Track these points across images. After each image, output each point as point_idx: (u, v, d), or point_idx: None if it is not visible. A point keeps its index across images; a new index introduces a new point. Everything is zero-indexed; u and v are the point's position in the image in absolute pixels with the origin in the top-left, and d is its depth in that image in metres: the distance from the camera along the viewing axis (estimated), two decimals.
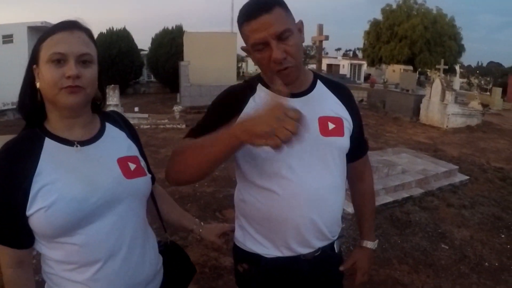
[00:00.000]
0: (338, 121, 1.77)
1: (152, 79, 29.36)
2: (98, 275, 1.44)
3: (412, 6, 32.64)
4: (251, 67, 54.63)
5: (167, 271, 1.79)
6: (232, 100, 1.74)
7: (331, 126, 1.74)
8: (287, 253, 1.78)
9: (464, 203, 6.47)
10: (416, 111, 15.71)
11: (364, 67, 43.68)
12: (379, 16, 33.97)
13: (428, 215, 5.90)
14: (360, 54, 38.40)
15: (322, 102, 1.78)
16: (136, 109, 15.66)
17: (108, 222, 1.44)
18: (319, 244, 1.80)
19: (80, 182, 1.40)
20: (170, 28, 26.11)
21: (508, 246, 5.10)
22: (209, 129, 1.61)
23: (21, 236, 1.42)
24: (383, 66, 34.80)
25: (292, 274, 1.83)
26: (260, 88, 1.76)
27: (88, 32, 1.46)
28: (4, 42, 20.63)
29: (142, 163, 1.64)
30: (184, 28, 25.29)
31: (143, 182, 1.58)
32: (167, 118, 13.92)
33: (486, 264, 4.62)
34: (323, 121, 1.73)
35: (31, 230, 1.40)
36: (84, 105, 1.46)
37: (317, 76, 1.85)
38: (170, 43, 24.66)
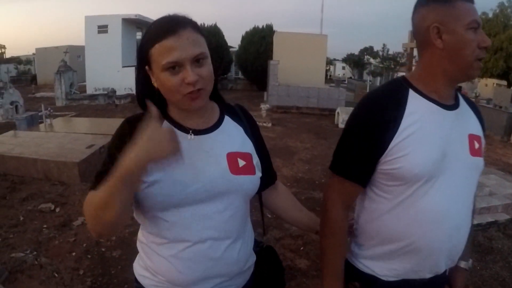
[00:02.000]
0: (480, 140, 1.69)
1: (240, 76, 29.86)
2: (182, 255, 1.48)
3: (510, 16, 31.05)
4: (339, 71, 54.01)
5: (257, 273, 1.79)
6: (381, 112, 1.59)
7: (476, 145, 1.65)
8: (408, 276, 1.69)
9: None
10: (508, 130, 14.98)
11: None
12: None
13: None
14: None
15: (469, 118, 1.70)
16: None
17: (204, 210, 1.47)
18: (444, 269, 1.74)
19: (187, 168, 1.45)
20: (260, 27, 26.40)
21: None
22: (362, 155, 1.62)
23: None
24: (475, 79, 33.43)
25: None
26: (413, 96, 1.61)
27: (192, 25, 1.43)
28: (99, 32, 21.81)
29: (255, 161, 1.62)
30: (274, 28, 25.52)
31: (249, 181, 1.57)
32: (254, 116, 14.01)
33: None
34: (472, 140, 1.64)
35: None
36: (206, 102, 1.50)
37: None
38: (260, 41, 24.96)
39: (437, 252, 1.63)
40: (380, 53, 48.38)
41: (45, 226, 5.22)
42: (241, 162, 1.56)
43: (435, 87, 1.60)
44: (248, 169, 1.57)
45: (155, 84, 1.46)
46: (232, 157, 1.55)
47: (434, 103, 1.59)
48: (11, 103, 14.43)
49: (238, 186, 1.54)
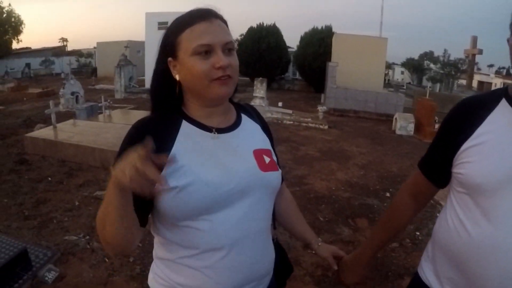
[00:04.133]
0: None
1: (298, 76, 29.73)
2: (218, 264, 1.40)
3: None
4: (397, 75, 53.12)
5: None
6: (465, 115, 1.55)
7: None
8: None
9: None
10: None
11: None
12: None
13: None
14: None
15: None
16: (280, 104, 16.00)
17: (237, 211, 1.41)
18: None
19: (217, 168, 1.39)
20: (319, 28, 26.25)
21: None
22: (436, 154, 1.66)
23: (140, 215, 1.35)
24: None
25: None
26: (503, 104, 1.49)
27: (223, 19, 1.44)
28: (159, 28, 22.26)
29: (274, 157, 1.62)
30: (333, 29, 25.32)
31: (276, 177, 1.56)
32: (310, 117, 14.05)
33: None
34: None
35: (147, 213, 1.40)
36: (232, 94, 1.48)
37: None
38: (319, 42, 24.74)
39: (491, 282, 1.43)
40: (441, 58, 47.26)
41: None
42: (267, 159, 1.54)
43: None
44: (273, 165, 1.56)
45: (177, 76, 1.42)
46: (258, 154, 1.53)
47: None
48: (72, 93, 14.85)
49: (268, 183, 1.52)
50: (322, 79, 20.46)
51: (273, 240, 1.77)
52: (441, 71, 45.22)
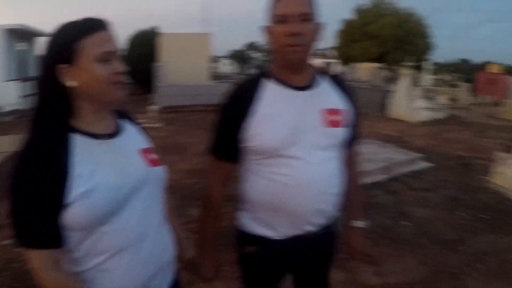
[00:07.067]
0: (339, 112, 1.91)
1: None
2: (129, 261, 1.51)
3: (385, 6, 33.15)
4: (226, 68, 54.38)
5: None
6: (240, 98, 1.89)
7: (332, 117, 1.87)
8: (293, 233, 1.93)
9: (426, 187, 6.99)
10: (384, 107, 15.95)
11: (335, 65, 44.37)
12: (351, 16, 34.42)
13: (392, 198, 6.41)
14: (330, 53, 38.67)
15: (327, 96, 1.92)
16: None
17: (136, 207, 1.52)
18: (323, 221, 1.97)
19: (115, 172, 1.47)
20: (144, 29, 26.15)
21: (464, 222, 5.61)
22: (226, 138, 1.93)
23: (58, 234, 1.40)
24: (355, 64, 35.35)
25: (296, 252, 2.00)
26: (265, 83, 1.88)
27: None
28: None
29: (155, 155, 1.73)
30: (161, 30, 25.34)
31: (162, 171, 1.71)
32: (144, 118, 14.00)
33: (445, 237, 5.10)
34: (325, 113, 1.87)
35: (62, 229, 1.40)
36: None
37: (318, 70, 1.98)
38: (146, 44, 24.66)
39: (300, 212, 1.89)
40: (264, 47, 49.37)
41: None
42: (151, 156, 1.67)
43: (281, 75, 1.88)
44: (158, 161, 1.70)
45: (72, 83, 1.42)
46: (143, 153, 1.65)
47: (285, 87, 1.86)
48: None
49: (157, 176, 1.66)
50: (151, 80, 20.44)
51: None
52: (265, 59, 47.28)
